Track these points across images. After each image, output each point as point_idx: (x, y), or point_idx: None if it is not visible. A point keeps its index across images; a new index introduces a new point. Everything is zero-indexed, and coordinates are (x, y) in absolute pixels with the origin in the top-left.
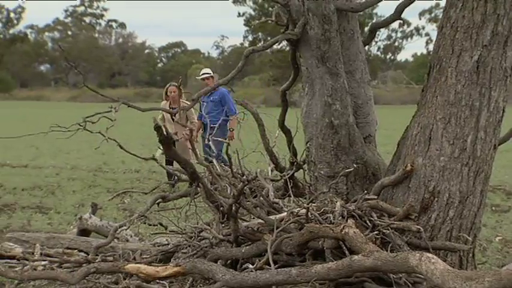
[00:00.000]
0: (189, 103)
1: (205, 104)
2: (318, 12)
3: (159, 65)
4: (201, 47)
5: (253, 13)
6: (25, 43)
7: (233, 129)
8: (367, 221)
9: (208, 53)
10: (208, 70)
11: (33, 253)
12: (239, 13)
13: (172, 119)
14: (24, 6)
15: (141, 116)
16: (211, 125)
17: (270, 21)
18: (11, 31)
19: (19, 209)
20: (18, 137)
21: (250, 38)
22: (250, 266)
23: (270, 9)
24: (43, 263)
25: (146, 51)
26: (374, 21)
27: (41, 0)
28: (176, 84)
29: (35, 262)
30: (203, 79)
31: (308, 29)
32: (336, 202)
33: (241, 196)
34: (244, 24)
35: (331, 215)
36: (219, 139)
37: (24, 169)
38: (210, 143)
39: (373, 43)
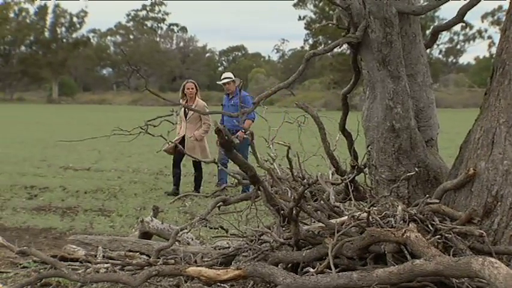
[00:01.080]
0: (204, 103)
1: (225, 107)
2: (379, 15)
3: (220, 68)
4: (261, 51)
5: (313, 16)
6: (88, 47)
7: (245, 130)
8: (429, 225)
9: (269, 57)
10: (229, 74)
11: (95, 255)
12: (300, 16)
13: (185, 118)
14: (87, 11)
15: None
16: (232, 130)
17: (330, 25)
18: (74, 35)
19: (82, 212)
20: (80, 140)
21: (310, 41)
22: (311, 269)
23: (331, 12)
24: (105, 265)
25: (207, 55)
26: (436, 24)
27: (104, 0)
28: (193, 81)
29: (97, 264)
30: (224, 84)
31: (369, 32)
32: (398, 206)
33: (302, 199)
34: (305, 28)
35: (392, 219)
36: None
37: (86, 172)
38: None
39: (435, 46)
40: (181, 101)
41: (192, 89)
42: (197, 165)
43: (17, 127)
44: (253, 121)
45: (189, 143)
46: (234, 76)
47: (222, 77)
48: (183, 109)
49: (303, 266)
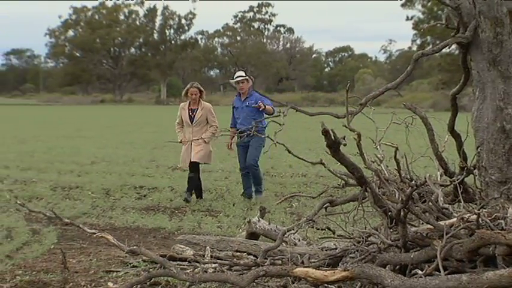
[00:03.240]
0: (210, 105)
1: (239, 109)
2: (489, 14)
3: (326, 69)
4: (368, 51)
5: (421, 16)
6: (195, 49)
7: (264, 106)
8: None
9: (376, 57)
10: (241, 73)
11: (203, 255)
12: (407, 17)
13: (191, 122)
14: (195, 12)
15: (307, 121)
16: (247, 133)
17: (439, 25)
18: (182, 37)
19: (189, 212)
20: (188, 141)
21: (418, 41)
22: (420, 271)
23: (440, 12)
24: (213, 265)
25: (313, 55)
26: None
27: (213, 0)
28: (198, 85)
29: (205, 264)
30: (237, 82)
31: (479, 32)
32: (508, 208)
33: (410, 201)
34: (413, 28)
35: (502, 221)
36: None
37: None
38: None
39: None
40: (183, 104)
41: (196, 94)
42: (196, 168)
43: (126, 128)
44: (273, 110)
45: (196, 146)
46: (246, 74)
47: (235, 76)
48: (187, 113)
49: (411, 268)
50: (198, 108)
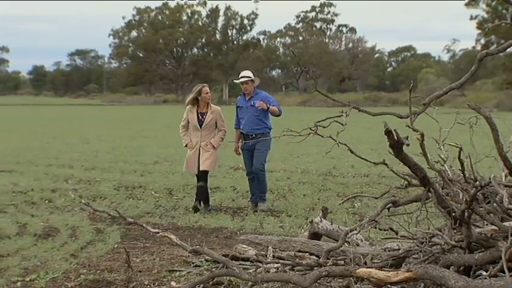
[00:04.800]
0: (219, 109)
1: (243, 109)
2: None
3: (389, 69)
4: (431, 51)
5: (486, 16)
6: (257, 49)
7: (268, 107)
8: None
9: (439, 57)
10: (247, 73)
11: (266, 255)
12: (471, 16)
13: (200, 126)
14: (257, 13)
15: (370, 121)
16: (252, 134)
17: (504, 24)
18: (244, 37)
19: (252, 212)
20: (247, 142)
21: (482, 41)
22: (484, 273)
23: (504, 11)
24: (275, 265)
25: (376, 55)
26: None
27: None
28: (208, 86)
29: (267, 264)
30: (241, 83)
31: None
32: None
33: (474, 202)
34: (477, 27)
35: None
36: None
37: None
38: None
39: None
40: (190, 106)
41: (210, 94)
42: (206, 176)
43: None
44: (279, 111)
45: (205, 152)
46: (254, 75)
47: (239, 75)
48: (196, 117)
49: (475, 269)
50: (207, 112)
